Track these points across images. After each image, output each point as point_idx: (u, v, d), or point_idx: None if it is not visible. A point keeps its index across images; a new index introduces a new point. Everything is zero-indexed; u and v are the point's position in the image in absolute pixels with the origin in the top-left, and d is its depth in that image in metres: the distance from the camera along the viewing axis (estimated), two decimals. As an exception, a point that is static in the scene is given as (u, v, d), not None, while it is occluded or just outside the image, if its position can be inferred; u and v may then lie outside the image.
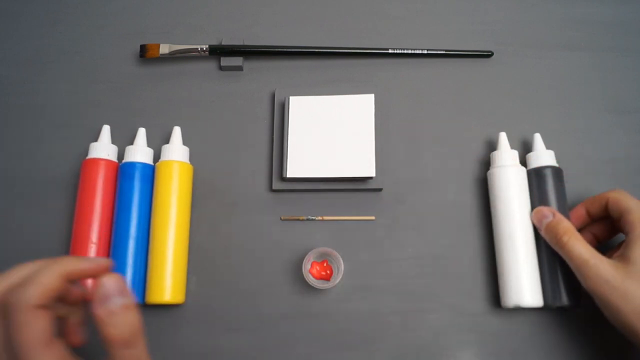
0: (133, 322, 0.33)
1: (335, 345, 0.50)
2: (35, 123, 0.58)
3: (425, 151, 0.56)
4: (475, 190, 0.54)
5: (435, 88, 0.58)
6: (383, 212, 0.54)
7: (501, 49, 0.59)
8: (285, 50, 0.58)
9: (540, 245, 0.49)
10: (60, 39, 0.61)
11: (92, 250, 0.50)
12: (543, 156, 0.51)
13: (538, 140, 0.52)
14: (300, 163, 0.52)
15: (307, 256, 0.50)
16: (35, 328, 0.31)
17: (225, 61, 0.58)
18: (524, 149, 0.55)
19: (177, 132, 0.55)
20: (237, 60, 0.58)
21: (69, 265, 0.34)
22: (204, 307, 0.51)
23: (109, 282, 0.34)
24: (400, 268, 0.52)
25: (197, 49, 0.58)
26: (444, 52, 0.58)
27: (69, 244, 0.51)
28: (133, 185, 0.51)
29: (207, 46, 0.58)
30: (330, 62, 0.59)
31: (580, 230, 0.49)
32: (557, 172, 0.51)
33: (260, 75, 0.59)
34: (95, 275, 0.35)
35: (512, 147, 0.53)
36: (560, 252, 0.46)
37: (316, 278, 0.51)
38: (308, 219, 0.54)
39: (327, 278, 0.51)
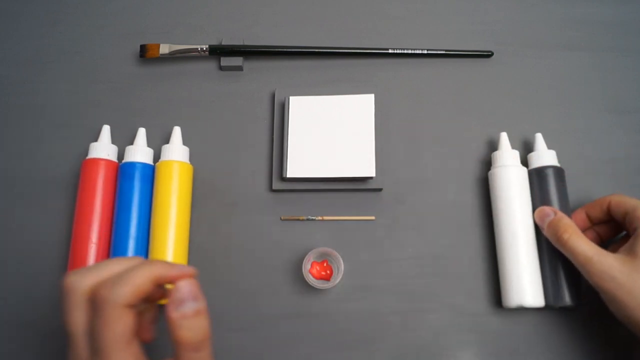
0: (204, 327, 0.34)
1: (335, 345, 0.50)
2: (35, 123, 0.58)
3: (426, 151, 0.56)
4: (475, 190, 0.54)
5: (435, 88, 0.58)
6: (383, 212, 0.54)
7: (501, 49, 0.59)
8: (285, 50, 0.58)
9: (542, 245, 0.49)
10: (60, 39, 0.61)
11: (92, 250, 0.50)
12: (545, 156, 0.51)
13: (539, 140, 0.52)
14: (300, 163, 0.52)
15: (307, 256, 0.50)
16: (121, 326, 0.33)
17: (225, 61, 0.58)
18: (524, 149, 0.55)
19: (177, 132, 0.55)
20: (237, 60, 0.58)
21: (160, 270, 0.35)
22: (204, 307, 0.51)
23: (185, 287, 0.35)
24: (400, 268, 0.52)
25: (197, 49, 0.58)
26: (444, 52, 0.58)
27: (69, 244, 0.51)
28: (133, 185, 0.51)
29: (207, 46, 0.58)
30: (330, 62, 0.59)
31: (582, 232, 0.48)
32: (558, 171, 0.51)
33: (260, 75, 0.59)
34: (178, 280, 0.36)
35: (512, 147, 0.53)
36: (563, 250, 0.46)
37: (316, 278, 0.51)
38: (308, 219, 0.54)
39: (327, 278, 0.51)
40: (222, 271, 0.52)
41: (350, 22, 0.61)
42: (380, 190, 0.54)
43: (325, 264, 0.51)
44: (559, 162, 0.52)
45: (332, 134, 0.53)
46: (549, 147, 0.52)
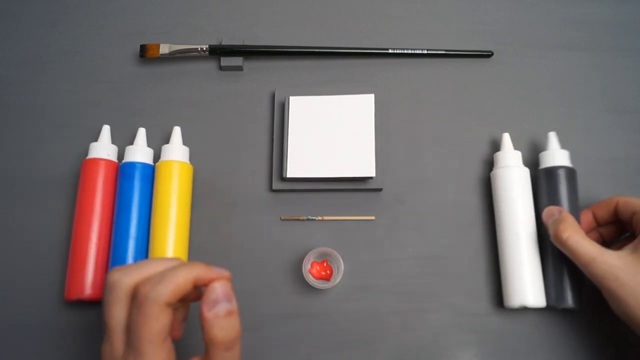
0: (235, 327, 0.36)
1: (335, 345, 0.50)
2: (35, 123, 0.58)
3: (426, 151, 0.56)
4: (475, 190, 0.54)
5: (435, 88, 0.58)
6: (383, 212, 0.54)
7: (501, 49, 0.59)
8: (285, 50, 0.58)
9: (546, 245, 0.49)
10: (60, 39, 0.61)
11: (92, 250, 0.50)
12: (557, 156, 0.50)
13: (553, 139, 0.52)
14: (300, 163, 0.52)
15: (307, 256, 0.50)
16: (159, 323, 0.34)
17: (225, 61, 0.58)
18: (524, 149, 0.55)
19: (177, 132, 0.55)
20: (237, 60, 0.58)
21: (199, 271, 0.36)
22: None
23: (219, 288, 0.36)
24: (400, 268, 0.52)
25: (197, 49, 0.58)
26: (444, 52, 0.58)
27: (69, 244, 0.51)
28: (133, 185, 0.51)
29: (207, 46, 0.58)
30: (330, 62, 0.59)
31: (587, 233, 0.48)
32: (570, 172, 0.50)
33: (260, 75, 0.59)
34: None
35: (512, 148, 0.53)
36: (563, 249, 0.45)
37: (316, 278, 0.51)
38: (308, 219, 0.54)
39: (327, 278, 0.51)
40: (222, 271, 0.52)
41: (350, 22, 0.61)
42: (380, 190, 0.54)
43: (325, 264, 0.51)
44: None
45: (332, 134, 0.53)
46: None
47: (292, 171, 0.52)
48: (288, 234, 0.53)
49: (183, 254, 0.51)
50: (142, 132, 0.54)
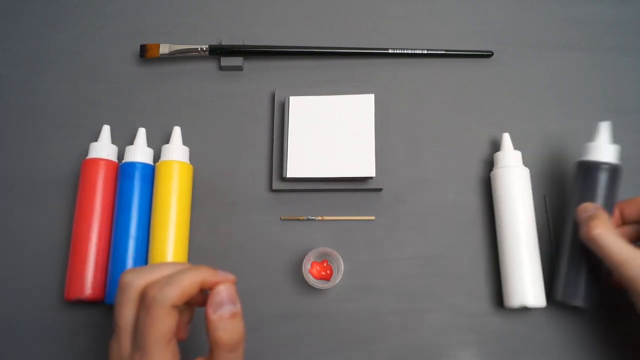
0: (239, 329, 0.37)
1: (335, 345, 0.50)
2: (35, 123, 0.58)
3: (426, 151, 0.56)
4: (475, 190, 0.54)
5: (435, 88, 0.58)
6: (383, 212, 0.54)
7: (501, 49, 0.59)
8: (285, 50, 0.58)
9: (567, 240, 0.48)
10: (60, 39, 0.61)
11: (92, 250, 0.50)
12: (604, 150, 0.48)
13: (604, 130, 0.48)
14: (300, 163, 0.52)
15: (307, 256, 0.50)
16: (165, 324, 0.35)
17: (225, 61, 0.58)
18: (524, 149, 0.55)
19: (177, 132, 0.55)
20: (237, 60, 0.58)
21: (205, 275, 0.37)
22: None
23: (224, 290, 0.37)
24: (400, 268, 0.52)
25: (197, 49, 0.58)
26: (444, 52, 0.58)
27: (69, 244, 0.51)
28: (133, 185, 0.51)
29: (207, 46, 0.58)
30: (330, 62, 0.59)
31: None
32: (615, 170, 0.48)
33: (260, 75, 0.59)
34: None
35: (512, 147, 0.53)
36: (591, 246, 0.44)
37: (316, 278, 0.51)
38: (308, 219, 0.54)
39: (327, 278, 0.51)
40: (222, 271, 0.52)
41: (350, 22, 0.61)
42: (380, 190, 0.54)
43: (325, 264, 0.51)
44: (559, 161, 0.51)
45: (332, 134, 0.53)
46: (549, 146, 0.52)
47: (292, 171, 0.52)
48: (288, 234, 0.53)
49: (183, 254, 0.51)
50: (142, 132, 0.54)
